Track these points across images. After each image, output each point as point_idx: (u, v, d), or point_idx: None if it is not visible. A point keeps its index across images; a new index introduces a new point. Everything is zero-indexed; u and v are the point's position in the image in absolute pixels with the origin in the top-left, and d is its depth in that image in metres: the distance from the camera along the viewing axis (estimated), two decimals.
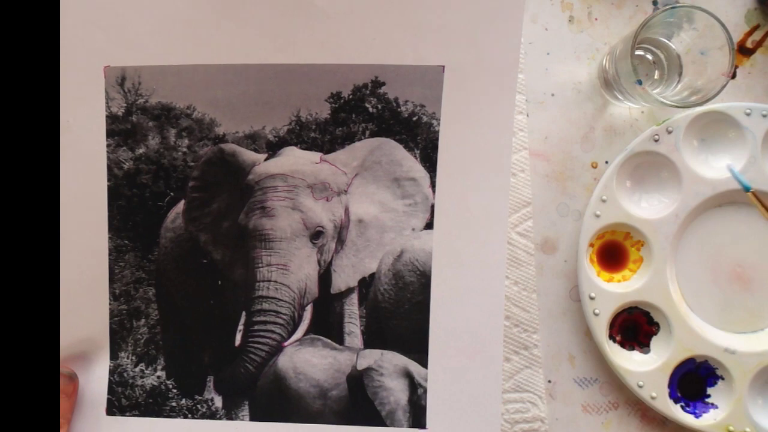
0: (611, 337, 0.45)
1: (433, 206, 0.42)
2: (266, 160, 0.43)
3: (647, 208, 0.45)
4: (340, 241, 0.44)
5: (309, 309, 0.44)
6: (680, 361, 0.44)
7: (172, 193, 0.44)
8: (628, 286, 0.45)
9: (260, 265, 0.43)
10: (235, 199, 0.44)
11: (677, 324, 0.44)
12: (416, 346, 0.42)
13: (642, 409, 0.46)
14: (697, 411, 0.44)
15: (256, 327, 0.43)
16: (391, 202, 0.43)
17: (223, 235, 0.44)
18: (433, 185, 0.42)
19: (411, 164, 0.43)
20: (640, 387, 0.44)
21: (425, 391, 0.42)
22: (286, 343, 0.43)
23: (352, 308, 0.44)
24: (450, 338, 0.42)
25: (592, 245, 0.45)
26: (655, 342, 0.45)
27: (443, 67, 0.41)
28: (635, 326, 0.45)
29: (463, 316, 0.42)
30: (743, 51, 0.46)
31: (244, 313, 0.43)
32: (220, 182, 0.44)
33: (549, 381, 0.46)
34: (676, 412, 0.44)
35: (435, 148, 0.42)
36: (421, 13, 0.41)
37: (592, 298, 0.44)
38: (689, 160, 0.44)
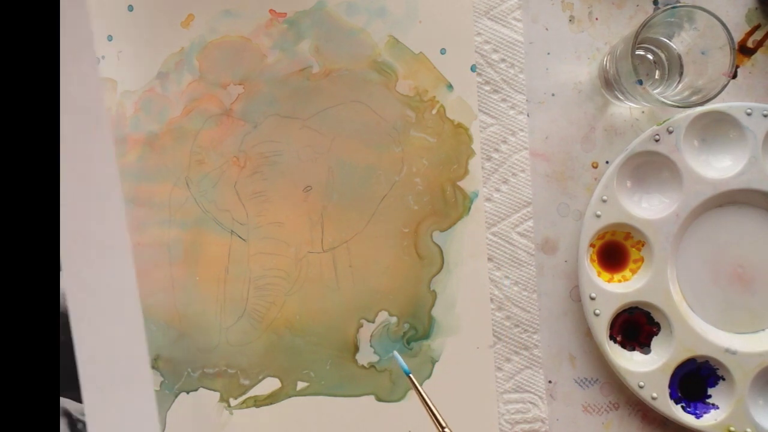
0: (612, 337, 0.45)
1: None
2: None
3: (648, 209, 0.45)
4: None
5: None
6: (681, 362, 0.44)
7: None
8: (628, 286, 0.45)
9: None
10: None
11: (678, 324, 0.44)
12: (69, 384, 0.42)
13: (643, 410, 0.46)
14: (698, 411, 0.44)
15: None
16: None
17: None
18: None
19: None
20: (641, 387, 0.44)
21: (85, 425, 0.42)
22: None
23: None
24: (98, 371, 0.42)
25: (592, 245, 0.45)
26: (655, 342, 0.45)
27: None
28: (636, 326, 0.45)
29: (105, 349, 0.41)
30: (744, 51, 0.46)
31: None
32: None
33: (549, 381, 0.46)
34: (677, 412, 0.44)
35: None
36: None
37: (592, 299, 0.44)
38: (690, 160, 0.44)
